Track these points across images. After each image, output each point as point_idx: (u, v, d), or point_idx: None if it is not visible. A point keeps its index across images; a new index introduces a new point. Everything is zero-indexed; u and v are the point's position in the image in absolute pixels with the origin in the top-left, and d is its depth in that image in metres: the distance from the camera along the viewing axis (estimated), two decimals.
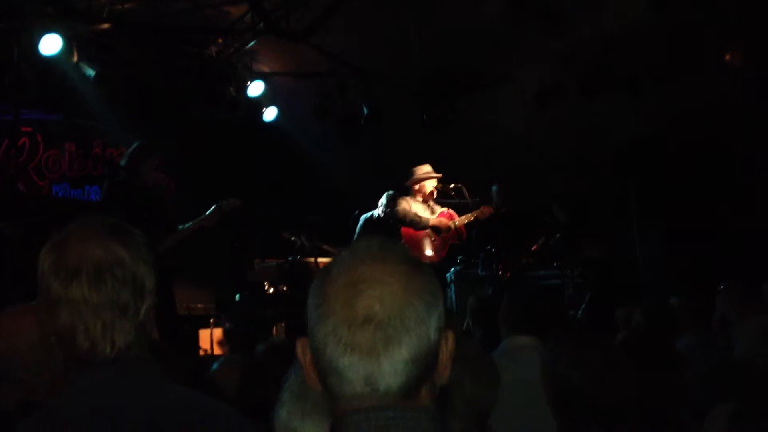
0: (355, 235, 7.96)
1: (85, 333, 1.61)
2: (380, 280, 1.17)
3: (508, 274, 7.90)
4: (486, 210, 7.59)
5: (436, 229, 7.53)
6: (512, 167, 8.89)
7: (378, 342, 1.15)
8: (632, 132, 8.81)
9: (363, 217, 8.00)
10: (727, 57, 7.22)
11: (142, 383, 1.63)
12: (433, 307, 1.19)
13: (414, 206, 7.59)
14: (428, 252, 7.48)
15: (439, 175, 7.63)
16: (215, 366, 3.17)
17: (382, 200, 7.83)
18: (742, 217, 8.17)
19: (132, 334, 1.65)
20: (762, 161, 8.19)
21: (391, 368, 1.15)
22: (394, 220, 7.48)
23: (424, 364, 1.18)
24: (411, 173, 7.67)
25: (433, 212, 7.69)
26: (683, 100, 8.05)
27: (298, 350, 1.25)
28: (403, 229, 7.44)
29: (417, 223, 7.45)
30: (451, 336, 1.23)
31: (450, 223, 7.58)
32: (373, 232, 7.81)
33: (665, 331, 4.52)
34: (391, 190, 7.88)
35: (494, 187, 8.00)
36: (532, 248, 8.19)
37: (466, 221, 7.63)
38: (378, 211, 7.85)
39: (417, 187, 7.65)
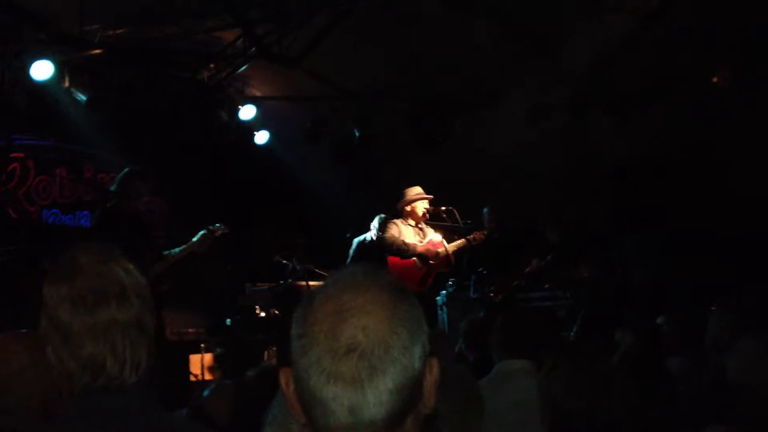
0: (349, 259, 7.97)
1: (114, 356, 1.61)
2: (363, 308, 1.16)
3: (500, 297, 7.89)
4: (478, 236, 7.58)
5: (423, 258, 7.49)
6: (503, 188, 8.92)
7: (362, 372, 1.13)
8: (622, 152, 8.85)
9: (356, 240, 8.00)
10: (715, 79, 7.28)
11: (147, 413, 1.63)
12: (417, 335, 1.18)
13: (404, 230, 7.57)
14: (414, 281, 7.41)
15: (430, 197, 7.63)
16: (206, 392, 3.16)
17: (374, 223, 7.84)
18: (730, 236, 8.20)
19: (147, 355, 1.66)
20: (750, 181, 8.23)
21: (375, 398, 1.14)
22: (382, 246, 7.47)
23: (409, 394, 1.16)
24: (402, 195, 7.68)
25: (424, 235, 7.67)
26: (671, 121, 8.11)
27: (282, 381, 1.23)
28: (390, 257, 7.42)
29: (404, 252, 7.42)
30: (435, 364, 1.22)
31: (438, 250, 7.54)
32: (365, 255, 7.81)
33: (657, 352, 4.52)
34: (383, 213, 7.90)
35: (485, 210, 8.01)
36: (527, 269, 8.20)
37: (456, 247, 7.60)
38: (370, 235, 7.86)
39: (408, 209, 7.64)
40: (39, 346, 2.14)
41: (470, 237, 7.57)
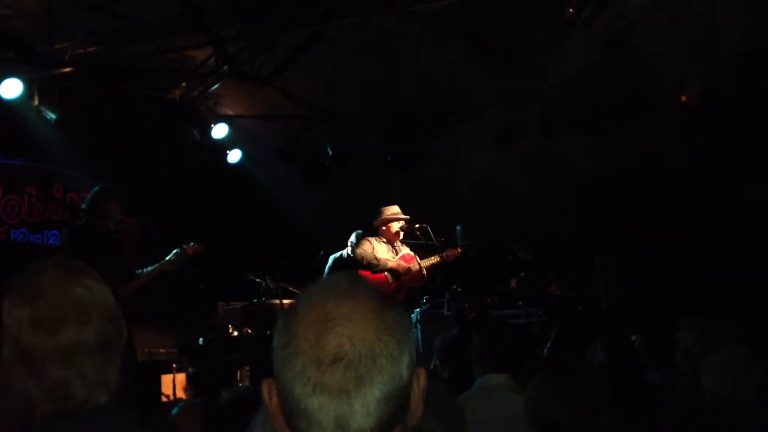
0: (325, 275, 7.95)
1: (81, 380, 1.55)
2: (349, 317, 1.13)
3: (474, 314, 7.90)
4: (451, 253, 7.64)
5: (395, 272, 7.53)
6: (476, 206, 8.97)
7: (349, 382, 1.10)
8: (593, 170, 8.96)
9: (332, 257, 8.00)
10: (684, 98, 7.39)
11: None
12: (404, 344, 1.16)
13: (377, 247, 7.61)
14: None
15: (406, 218, 7.68)
16: (175, 411, 3.12)
17: (351, 239, 7.85)
18: (702, 251, 8.31)
19: (117, 375, 1.61)
20: (719, 198, 8.37)
21: (362, 409, 1.11)
22: (354, 261, 7.49)
23: (397, 404, 1.14)
24: (379, 213, 7.71)
25: (397, 253, 7.71)
26: (642, 139, 8.22)
27: (264, 393, 1.20)
28: (361, 272, 7.42)
29: (375, 266, 7.46)
30: (422, 374, 1.20)
31: (409, 265, 7.59)
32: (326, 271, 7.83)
33: (630, 366, 4.55)
34: (359, 230, 7.91)
35: (458, 227, 8.05)
36: (507, 288, 8.25)
37: (429, 264, 7.65)
38: (346, 251, 7.87)
39: (384, 228, 7.69)
40: (2, 371, 2.09)
41: (444, 254, 7.62)
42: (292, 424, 1.15)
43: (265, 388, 1.20)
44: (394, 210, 7.71)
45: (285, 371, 1.14)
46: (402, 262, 7.60)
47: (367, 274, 7.41)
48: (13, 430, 1.91)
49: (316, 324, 1.14)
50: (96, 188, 6.03)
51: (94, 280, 1.65)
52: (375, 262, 7.47)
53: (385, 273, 7.51)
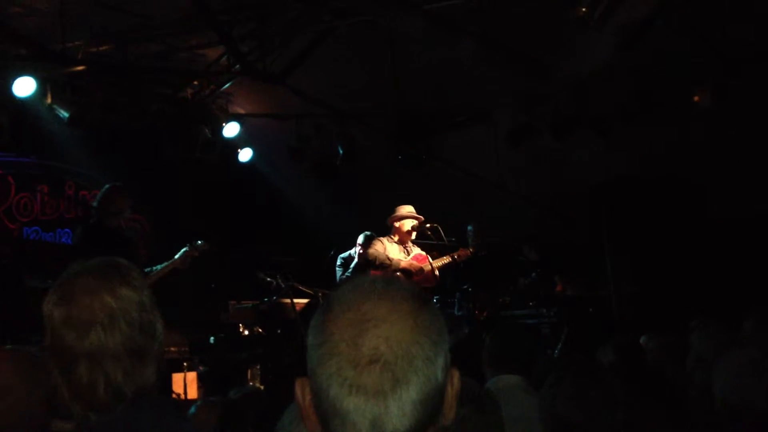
0: (337, 276, 7.98)
1: (106, 383, 1.60)
2: (386, 318, 1.14)
3: (485, 314, 7.90)
4: (463, 253, 7.63)
5: (407, 272, 7.53)
6: (486, 206, 8.96)
7: (385, 383, 1.11)
8: (604, 171, 8.93)
9: (340, 256, 8.01)
10: (696, 98, 7.36)
11: (161, 424, 1.62)
12: (440, 345, 1.16)
13: (389, 247, 7.62)
14: None
15: (420, 218, 7.68)
16: (193, 409, 3.14)
17: (359, 240, 7.85)
18: (712, 253, 8.28)
19: (153, 376, 1.65)
20: (731, 199, 8.33)
21: (399, 410, 1.11)
22: (366, 261, 7.49)
23: (432, 405, 1.14)
24: (393, 211, 7.73)
25: (408, 253, 7.71)
26: (654, 140, 8.20)
27: (297, 391, 1.20)
28: (373, 272, 7.43)
29: (387, 266, 7.45)
30: (456, 375, 1.20)
31: (422, 266, 7.59)
32: (350, 270, 7.85)
33: (639, 368, 4.54)
34: (368, 230, 7.92)
35: (470, 227, 8.04)
36: (514, 288, 8.24)
37: (440, 264, 7.65)
38: (354, 251, 7.88)
39: (396, 224, 7.70)
40: (26, 364, 2.13)
41: (455, 254, 7.61)
42: (326, 423, 1.15)
43: (299, 387, 1.20)
44: (408, 209, 7.73)
45: (320, 371, 1.14)
46: (414, 262, 7.61)
47: (378, 273, 7.42)
48: (46, 421, 1.95)
49: (352, 324, 1.14)
50: (107, 186, 6.05)
51: (130, 288, 1.69)
52: (388, 262, 7.48)
53: (398, 273, 7.51)
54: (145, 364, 1.65)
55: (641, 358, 4.34)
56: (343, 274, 7.99)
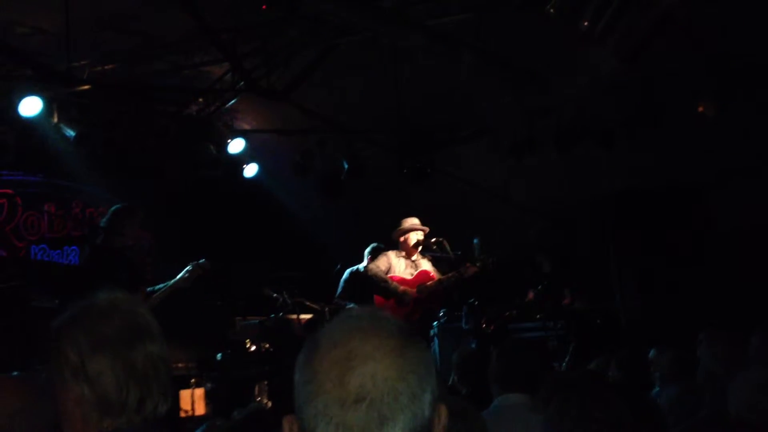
0: (339, 289, 7.97)
1: (151, 394, 1.71)
2: (372, 355, 1.14)
3: (492, 327, 7.86)
4: (471, 269, 7.49)
5: (401, 299, 7.43)
6: (490, 219, 8.95)
7: (372, 421, 1.11)
8: (609, 183, 8.93)
9: (348, 270, 7.99)
10: (701, 108, 7.35)
11: None
12: (426, 382, 1.16)
13: (395, 263, 7.56)
14: (402, 317, 7.38)
15: (425, 229, 7.65)
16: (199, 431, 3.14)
17: (366, 251, 7.85)
18: (719, 264, 8.25)
19: (169, 400, 1.74)
20: (737, 210, 8.31)
21: None
22: (366, 278, 7.45)
23: None
24: (398, 225, 7.69)
25: (416, 268, 7.66)
26: (658, 150, 8.19)
27: (285, 429, 1.21)
28: (376, 297, 7.43)
29: (386, 290, 7.40)
30: (443, 411, 1.20)
31: (426, 284, 7.51)
32: (357, 285, 7.80)
33: (642, 382, 4.53)
34: (375, 242, 7.90)
35: (476, 241, 8.01)
36: (525, 299, 8.21)
37: (445, 280, 7.54)
38: (362, 265, 7.86)
39: (402, 239, 7.65)
40: (31, 390, 2.14)
41: (461, 269, 7.50)
42: None
43: (287, 424, 1.21)
44: (413, 221, 7.67)
45: (307, 409, 1.15)
46: (409, 289, 7.50)
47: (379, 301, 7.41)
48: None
49: (339, 362, 1.14)
50: (115, 207, 6.07)
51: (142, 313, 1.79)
52: (384, 284, 7.41)
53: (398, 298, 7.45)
54: (161, 384, 1.76)
55: (645, 375, 4.32)
56: (343, 291, 7.93)
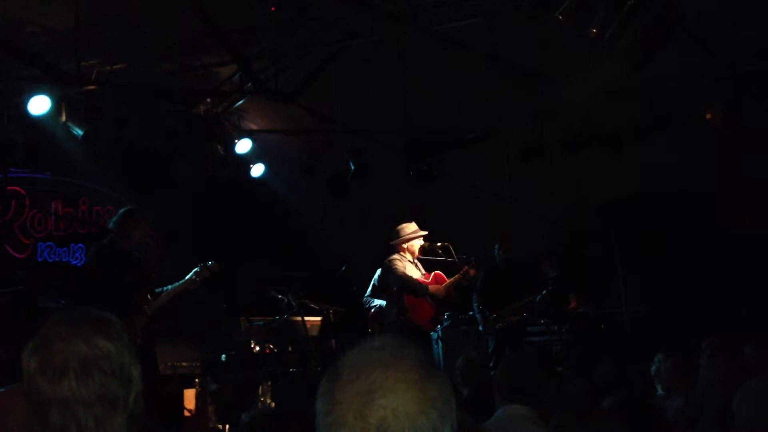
0: (369, 289, 7.91)
1: (78, 430, 1.63)
2: (393, 388, 1.14)
3: (511, 326, 7.90)
4: (471, 271, 7.54)
5: (436, 299, 7.50)
6: (498, 222, 8.95)
7: None
8: (616, 187, 8.91)
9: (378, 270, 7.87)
10: (708, 115, 7.34)
11: None
12: (446, 415, 1.17)
13: (408, 266, 7.60)
14: (427, 318, 7.45)
15: (425, 233, 7.66)
16: None
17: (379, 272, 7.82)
18: (726, 270, 8.23)
19: (124, 426, 1.66)
20: (744, 217, 8.28)
21: None
22: (401, 284, 7.41)
23: None
24: (396, 233, 7.68)
25: (422, 271, 7.70)
26: (665, 157, 8.17)
27: None
28: (406, 296, 7.44)
29: (417, 290, 7.42)
30: None
31: (441, 288, 7.56)
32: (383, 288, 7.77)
33: (643, 395, 4.52)
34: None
35: (496, 246, 8.06)
36: (534, 301, 8.22)
37: (450, 284, 7.58)
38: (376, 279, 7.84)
39: (405, 246, 7.66)
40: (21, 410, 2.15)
41: (462, 271, 7.54)
42: None
43: None
44: (412, 227, 7.69)
45: None
46: (438, 286, 7.57)
47: (411, 298, 7.42)
48: None
49: (360, 394, 1.15)
50: (124, 209, 6.10)
51: (106, 338, 1.71)
52: (416, 284, 7.44)
53: (427, 297, 7.49)
54: (117, 412, 1.67)
55: (647, 385, 4.32)
56: (373, 289, 7.88)
